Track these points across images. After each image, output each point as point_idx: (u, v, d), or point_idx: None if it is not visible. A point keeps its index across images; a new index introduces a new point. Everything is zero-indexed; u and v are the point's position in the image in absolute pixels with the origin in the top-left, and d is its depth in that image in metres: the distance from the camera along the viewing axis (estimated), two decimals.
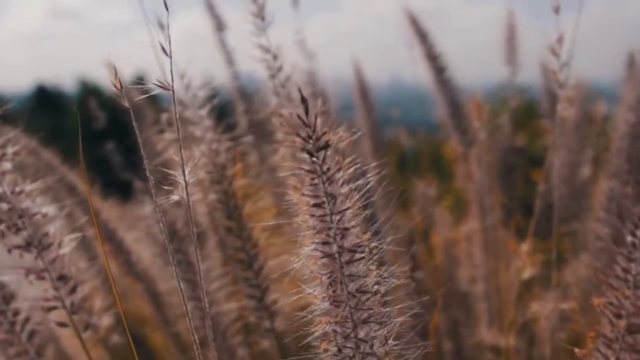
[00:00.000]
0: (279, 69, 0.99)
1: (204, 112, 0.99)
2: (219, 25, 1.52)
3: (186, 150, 1.05)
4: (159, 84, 0.61)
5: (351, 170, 0.51)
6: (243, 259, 1.02)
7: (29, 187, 0.81)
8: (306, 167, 0.50)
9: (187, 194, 0.60)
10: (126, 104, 0.61)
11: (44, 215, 0.81)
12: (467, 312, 1.75)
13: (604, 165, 1.72)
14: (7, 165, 0.80)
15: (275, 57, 0.98)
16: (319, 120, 0.49)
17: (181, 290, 0.62)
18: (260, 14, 0.96)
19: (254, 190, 1.02)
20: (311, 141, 0.49)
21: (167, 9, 0.56)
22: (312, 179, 0.49)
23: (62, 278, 0.84)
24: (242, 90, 1.58)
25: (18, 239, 0.81)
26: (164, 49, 0.60)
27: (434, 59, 1.62)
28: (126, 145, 1.90)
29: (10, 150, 0.80)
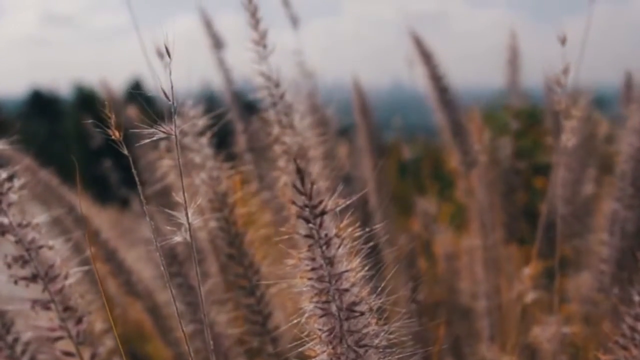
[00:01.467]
0: (281, 97, 0.98)
1: (204, 140, 0.99)
2: (217, 43, 1.51)
3: (186, 177, 1.06)
4: (163, 131, 0.61)
5: (349, 231, 0.51)
6: (245, 285, 1.02)
7: (35, 220, 0.81)
8: (303, 232, 0.50)
9: (190, 232, 0.60)
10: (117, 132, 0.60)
11: (50, 248, 0.81)
12: (468, 328, 1.75)
13: (606, 185, 1.73)
14: (14, 197, 0.80)
15: (277, 85, 0.98)
16: (314, 188, 0.49)
17: (179, 315, 0.62)
18: (261, 42, 0.96)
19: (255, 218, 1.02)
20: (307, 209, 0.49)
21: None
22: (310, 244, 0.49)
23: (68, 309, 0.85)
24: (242, 109, 1.58)
25: (25, 271, 0.81)
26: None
27: (437, 79, 1.62)
28: (123, 165, 1.89)
29: (17, 183, 0.81)
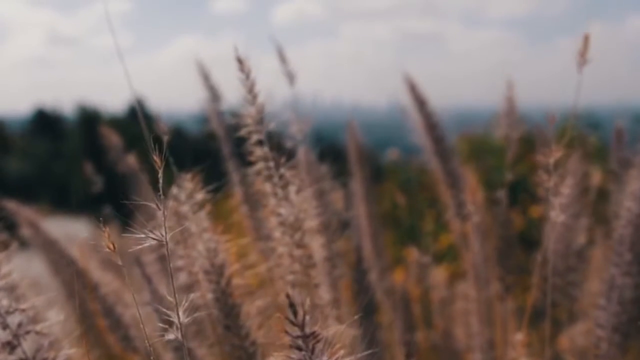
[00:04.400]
0: (278, 169, 0.99)
1: (202, 214, 1.00)
2: (214, 97, 1.53)
3: (181, 244, 1.07)
4: (154, 237, 0.62)
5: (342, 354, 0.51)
6: (241, 356, 1.03)
7: (23, 305, 0.81)
8: (295, 357, 0.51)
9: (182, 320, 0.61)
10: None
11: (39, 333, 0.82)
12: None
13: (600, 235, 1.74)
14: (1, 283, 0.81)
15: (276, 165, 0.99)
16: (307, 317, 0.50)
17: None
18: (258, 116, 0.97)
19: (253, 289, 1.03)
20: (300, 339, 0.50)
21: None
22: None
23: None
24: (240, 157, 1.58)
25: (13, 357, 0.81)
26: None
27: (432, 128, 1.60)
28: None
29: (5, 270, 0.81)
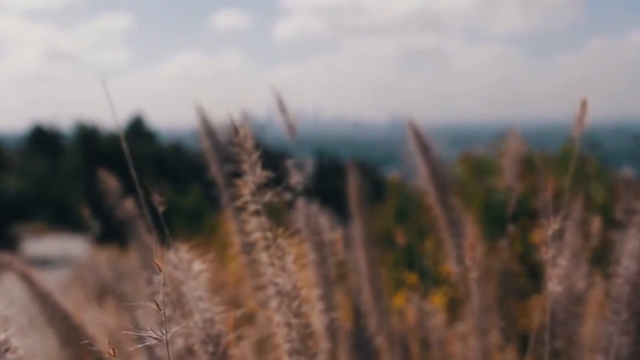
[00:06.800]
0: (275, 240, 0.98)
1: (199, 284, 0.99)
2: (216, 149, 1.52)
3: (178, 310, 1.05)
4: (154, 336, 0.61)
5: None
6: None
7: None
8: None
9: None
10: None
11: None
12: None
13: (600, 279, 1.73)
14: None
15: (273, 238, 0.98)
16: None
17: None
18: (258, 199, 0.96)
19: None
20: None
21: None
22: None
23: None
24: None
25: None
26: None
27: (436, 176, 1.59)
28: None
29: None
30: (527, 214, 3.14)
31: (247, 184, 0.95)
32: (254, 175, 0.96)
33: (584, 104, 1.53)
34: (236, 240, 1.57)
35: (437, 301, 3.43)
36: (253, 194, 0.95)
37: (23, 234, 14.02)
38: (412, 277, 3.83)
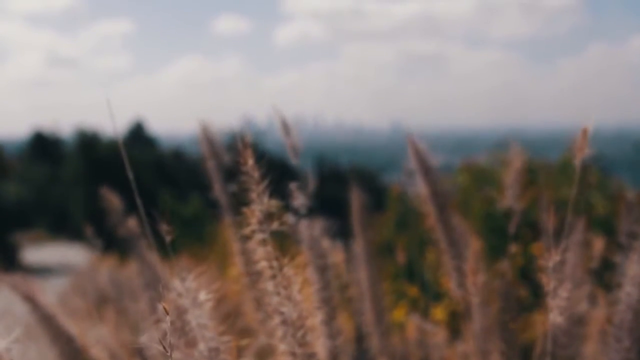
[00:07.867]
0: (281, 269, 0.99)
1: (203, 311, 0.99)
2: (219, 168, 1.52)
3: (182, 338, 1.06)
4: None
5: None
6: None
7: None
8: None
9: None
10: None
11: None
12: None
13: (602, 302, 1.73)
14: None
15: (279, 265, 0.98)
16: None
17: None
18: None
19: None
20: None
21: None
22: None
23: None
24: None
25: None
26: None
27: (437, 196, 1.59)
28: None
29: None
30: (528, 225, 3.14)
31: (255, 213, 0.96)
32: (261, 204, 0.96)
33: (584, 133, 1.53)
34: (239, 261, 1.57)
35: (438, 315, 3.43)
36: (260, 223, 0.95)
37: (23, 242, 13.99)
38: (412, 290, 3.83)
